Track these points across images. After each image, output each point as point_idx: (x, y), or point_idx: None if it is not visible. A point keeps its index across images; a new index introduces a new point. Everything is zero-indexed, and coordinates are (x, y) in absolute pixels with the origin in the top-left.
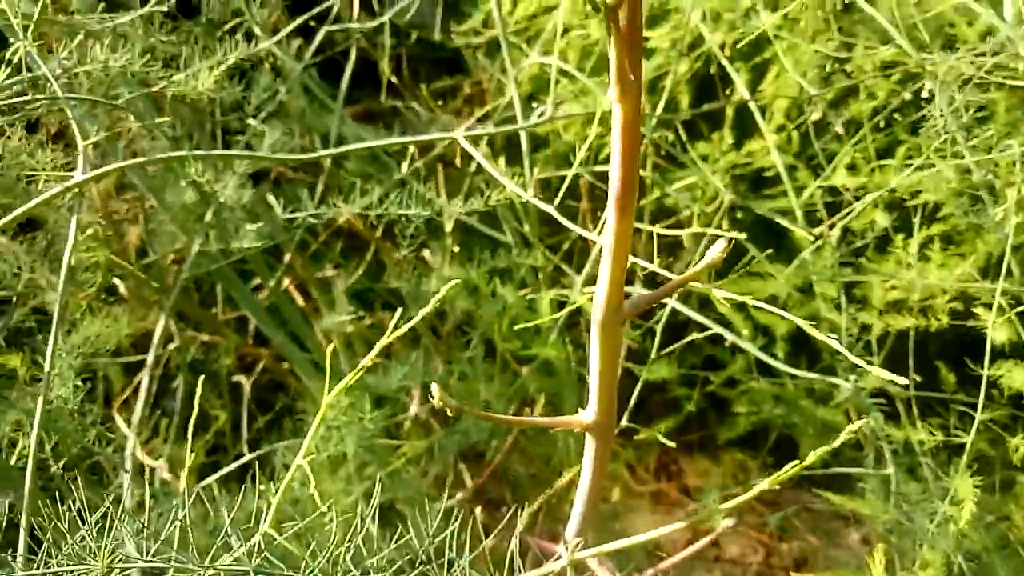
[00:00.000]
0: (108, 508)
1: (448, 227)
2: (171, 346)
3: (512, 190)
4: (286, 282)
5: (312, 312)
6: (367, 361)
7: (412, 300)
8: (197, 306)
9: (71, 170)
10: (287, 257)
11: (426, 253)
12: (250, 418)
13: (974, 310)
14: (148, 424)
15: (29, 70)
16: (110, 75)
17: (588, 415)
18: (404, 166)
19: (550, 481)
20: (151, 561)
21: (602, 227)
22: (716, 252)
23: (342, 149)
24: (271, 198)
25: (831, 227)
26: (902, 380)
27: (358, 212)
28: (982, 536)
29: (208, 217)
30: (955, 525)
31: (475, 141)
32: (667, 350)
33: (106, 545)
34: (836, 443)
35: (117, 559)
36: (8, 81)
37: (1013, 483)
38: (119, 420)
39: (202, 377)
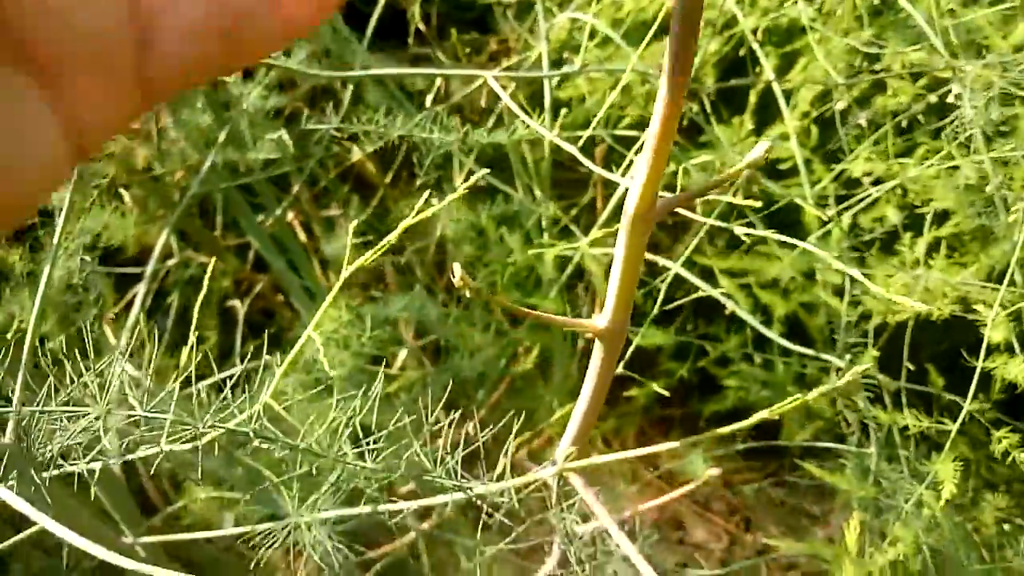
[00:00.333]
0: (104, 363)
1: (458, 180)
2: (170, 262)
3: (535, 128)
4: (291, 216)
5: (313, 252)
6: (360, 263)
7: (418, 236)
8: (199, 227)
9: None
10: (295, 189)
11: (434, 201)
12: (242, 342)
13: (974, 307)
14: (138, 339)
15: None
16: None
17: (602, 320)
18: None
19: (531, 439)
20: (150, 412)
21: (624, 169)
22: (759, 152)
23: (369, 72)
24: (283, 132)
25: (840, 214)
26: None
27: (374, 144)
28: (952, 530)
29: (221, 139)
30: (930, 509)
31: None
32: (668, 306)
33: (109, 386)
34: (810, 396)
35: (114, 404)
36: None
37: (982, 499)
38: (108, 333)
39: (203, 292)
